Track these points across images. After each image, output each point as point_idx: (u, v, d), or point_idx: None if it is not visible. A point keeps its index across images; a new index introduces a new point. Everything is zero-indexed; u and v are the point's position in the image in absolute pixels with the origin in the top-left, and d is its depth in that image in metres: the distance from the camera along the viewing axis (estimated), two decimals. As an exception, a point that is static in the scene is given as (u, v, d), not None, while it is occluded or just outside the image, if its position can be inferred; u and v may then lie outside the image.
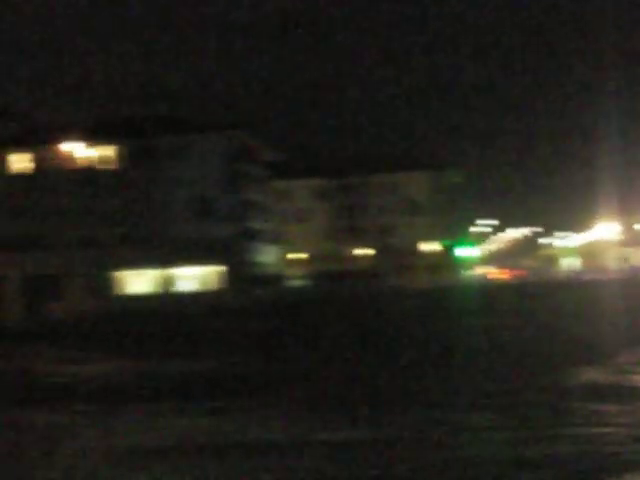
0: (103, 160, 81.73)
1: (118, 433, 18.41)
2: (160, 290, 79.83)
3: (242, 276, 79.00)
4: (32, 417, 21.61)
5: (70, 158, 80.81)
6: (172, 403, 23.38)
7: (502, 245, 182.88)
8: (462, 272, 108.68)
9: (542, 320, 39.97)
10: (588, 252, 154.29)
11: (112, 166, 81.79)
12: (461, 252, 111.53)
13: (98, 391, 27.20)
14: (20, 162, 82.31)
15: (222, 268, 79.96)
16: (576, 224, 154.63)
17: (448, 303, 60.24)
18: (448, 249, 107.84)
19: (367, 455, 14.11)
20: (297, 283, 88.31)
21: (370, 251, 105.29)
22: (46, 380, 31.83)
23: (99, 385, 29.28)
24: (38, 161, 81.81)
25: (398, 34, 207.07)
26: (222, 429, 18.05)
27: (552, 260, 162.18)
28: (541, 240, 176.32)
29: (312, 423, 18.06)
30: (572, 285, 78.43)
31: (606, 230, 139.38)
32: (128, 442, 17.15)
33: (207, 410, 21.37)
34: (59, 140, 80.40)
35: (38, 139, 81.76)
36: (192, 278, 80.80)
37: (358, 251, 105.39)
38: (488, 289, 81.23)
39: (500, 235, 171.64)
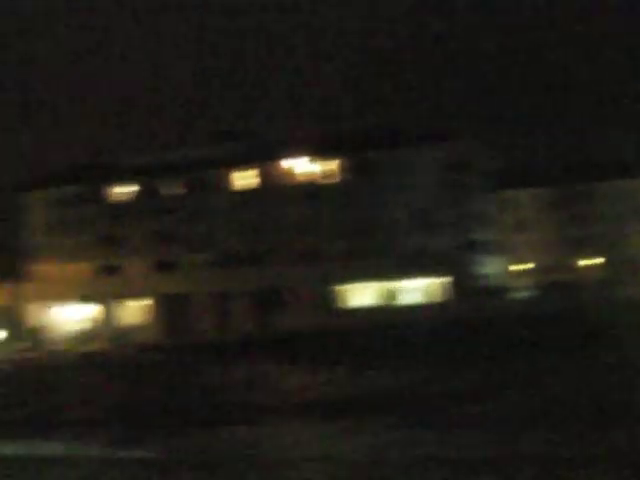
0: (326, 174, 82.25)
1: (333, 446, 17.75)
2: (384, 303, 79.25)
3: (465, 288, 77.26)
4: (252, 429, 21.24)
5: (294, 173, 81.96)
6: (376, 416, 22.55)
7: None
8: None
9: None
10: None
11: (335, 180, 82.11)
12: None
13: (313, 404, 26.72)
14: (246, 179, 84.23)
15: (445, 280, 78.50)
16: None
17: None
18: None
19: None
20: (522, 295, 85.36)
21: (598, 261, 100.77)
22: (267, 391, 31.76)
23: (314, 397, 28.86)
24: (263, 177, 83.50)
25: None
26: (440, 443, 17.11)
27: None
28: None
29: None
30: None
31: None
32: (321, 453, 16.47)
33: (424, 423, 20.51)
34: (283, 156, 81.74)
35: (263, 156, 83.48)
36: (415, 290, 79.75)
37: (586, 261, 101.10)
38: None
39: None
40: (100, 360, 63.75)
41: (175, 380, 42.56)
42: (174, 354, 64.64)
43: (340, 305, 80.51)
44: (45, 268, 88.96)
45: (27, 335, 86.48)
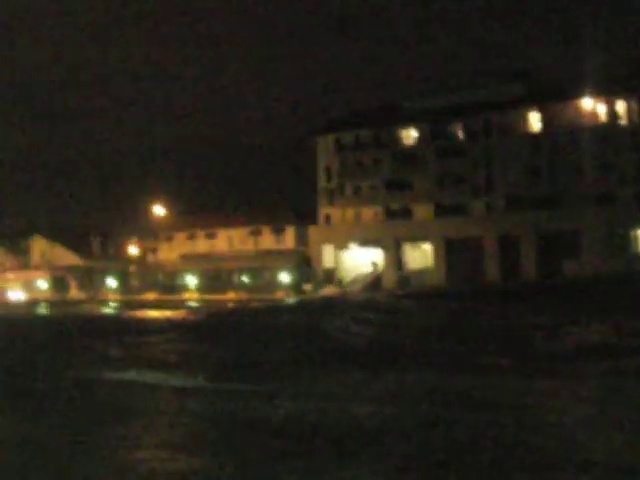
0: (617, 115, 79.12)
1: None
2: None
3: None
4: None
5: (582, 114, 79.52)
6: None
7: None
8: None
9: None
10: None
11: (627, 121, 78.79)
12: None
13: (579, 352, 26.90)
14: (534, 120, 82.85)
15: None
16: None
17: None
18: None
19: None
20: None
21: None
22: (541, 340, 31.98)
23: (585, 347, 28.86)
24: (551, 118, 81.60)
25: None
26: None
27: None
28: None
29: None
30: None
31: None
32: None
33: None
34: (571, 96, 79.59)
35: (550, 96, 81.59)
36: None
37: None
38: None
39: None
40: (381, 303, 65.89)
41: (456, 326, 43.49)
42: (458, 299, 65.65)
43: (634, 250, 77.75)
44: (334, 211, 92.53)
45: (316, 277, 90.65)
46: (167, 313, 63.52)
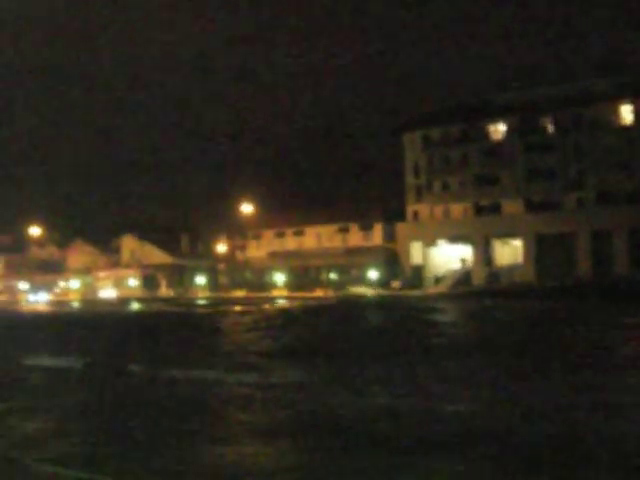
0: None
1: None
2: None
3: None
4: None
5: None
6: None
7: None
8: None
9: None
10: None
11: None
12: None
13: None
14: (626, 114, 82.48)
15: None
16: None
17: None
18: None
19: None
20: None
21: None
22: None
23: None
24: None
25: None
26: None
27: None
28: None
29: None
30: None
31: None
32: None
33: None
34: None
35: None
36: None
37: None
38: None
39: None
40: (458, 299, 66.23)
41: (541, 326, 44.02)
42: (547, 296, 65.94)
43: None
44: (422, 208, 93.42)
45: (404, 274, 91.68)
46: (254, 310, 65.27)
